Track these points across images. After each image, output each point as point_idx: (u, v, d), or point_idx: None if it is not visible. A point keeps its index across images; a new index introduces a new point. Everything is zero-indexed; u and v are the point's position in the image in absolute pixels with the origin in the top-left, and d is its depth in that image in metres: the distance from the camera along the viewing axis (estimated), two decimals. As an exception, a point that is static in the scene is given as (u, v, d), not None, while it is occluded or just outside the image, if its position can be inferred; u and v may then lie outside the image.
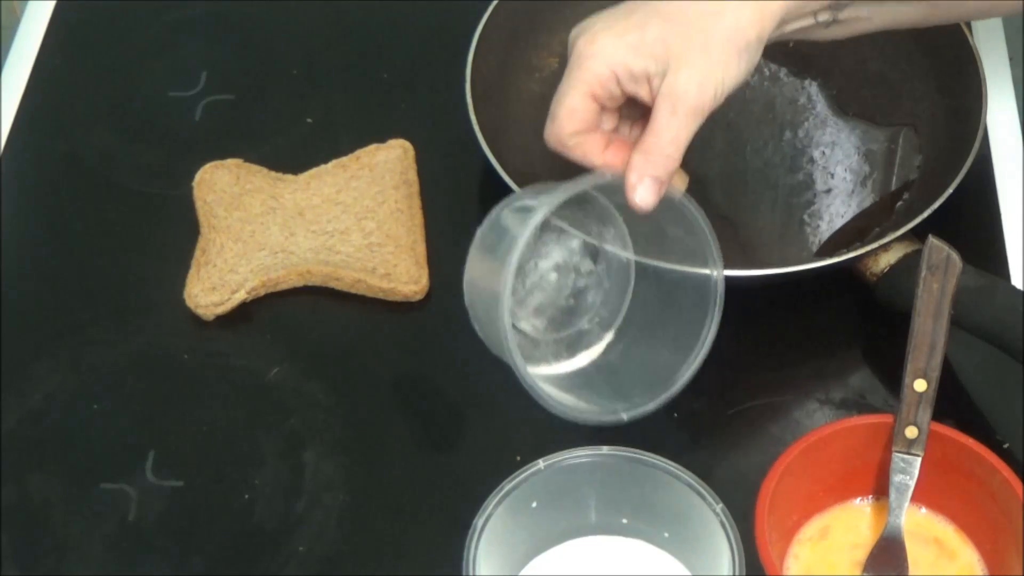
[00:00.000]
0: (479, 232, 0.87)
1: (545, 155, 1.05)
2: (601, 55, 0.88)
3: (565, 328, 0.91)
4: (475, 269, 0.87)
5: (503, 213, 0.87)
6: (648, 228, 0.89)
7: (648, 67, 0.87)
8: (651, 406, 0.86)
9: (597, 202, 0.90)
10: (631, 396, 0.87)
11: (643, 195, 0.86)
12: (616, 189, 0.87)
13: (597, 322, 0.92)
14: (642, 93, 0.88)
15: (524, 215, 0.84)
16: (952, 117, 1.02)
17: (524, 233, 0.83)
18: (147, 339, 0.98)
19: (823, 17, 0.91)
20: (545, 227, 0.89)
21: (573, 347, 0.91)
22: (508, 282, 0.82)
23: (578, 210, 0.90)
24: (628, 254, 0.91)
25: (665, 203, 0.86)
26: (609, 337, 0.91)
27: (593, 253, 0.91)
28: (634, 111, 0.91)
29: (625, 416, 0.85)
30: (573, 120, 0.89)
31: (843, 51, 1.11)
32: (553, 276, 0.90)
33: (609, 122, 0.91)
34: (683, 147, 0.87)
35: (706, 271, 0.87)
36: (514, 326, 0.87)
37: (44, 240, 1.05)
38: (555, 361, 0.90)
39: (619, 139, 0.90)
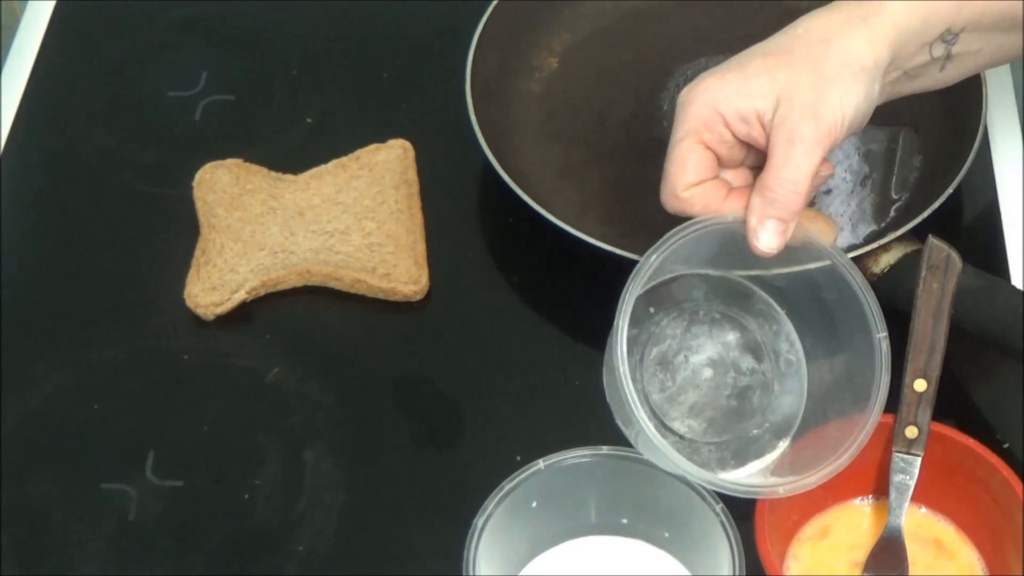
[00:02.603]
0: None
1: (545, 155, 1.06)
2: (702, 98, 0.82)
3: (728, 432, 0.85)
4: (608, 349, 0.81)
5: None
6: (809, 310, 0.84)
7: (756, 104, 0.81)
8: (813, 480, 0.81)
9: (757, 298, 0.85)
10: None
11: (766, 239, 0.80)
12: (751, 255, 0.81)
13: (767, 428, 0.86)
14: (755, 134, 0.82)
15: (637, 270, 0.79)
16: (952, 117, 1.02)
17: (639, 272, 0.78)
18: (147, 339, 0.98)
19: (938, 52, 0.85)
20: (693, 319, 0.85)
21: (741, 455, 0.85)
22: (624, 316, 0.77)
23: (733, 304, 0.85)
24: (794, 340, 0.85)
25: (816, 266, 0.80)
26: (784, 446, 0.85)
27: (755, 351, 0.86)
28: (757, 161, 0.85)
29: (782, 491, 0.81)
30: (686, 171, 0.82)
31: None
32: (708, 372, 0.85)
33: (737, 179, 0.84)
34: (807, 183, 0.80)
35: (870, 335, 0.81)
36: (667, 426, 0.83)
37: (44, 240, 1.05)
38: (720, 470, 0.84)
39: (742, 188, 0.83)
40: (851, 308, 0.83)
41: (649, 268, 0.79)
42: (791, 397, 0.86)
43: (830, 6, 0.84)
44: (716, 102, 0.81)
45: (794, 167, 0.79)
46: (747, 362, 0.86)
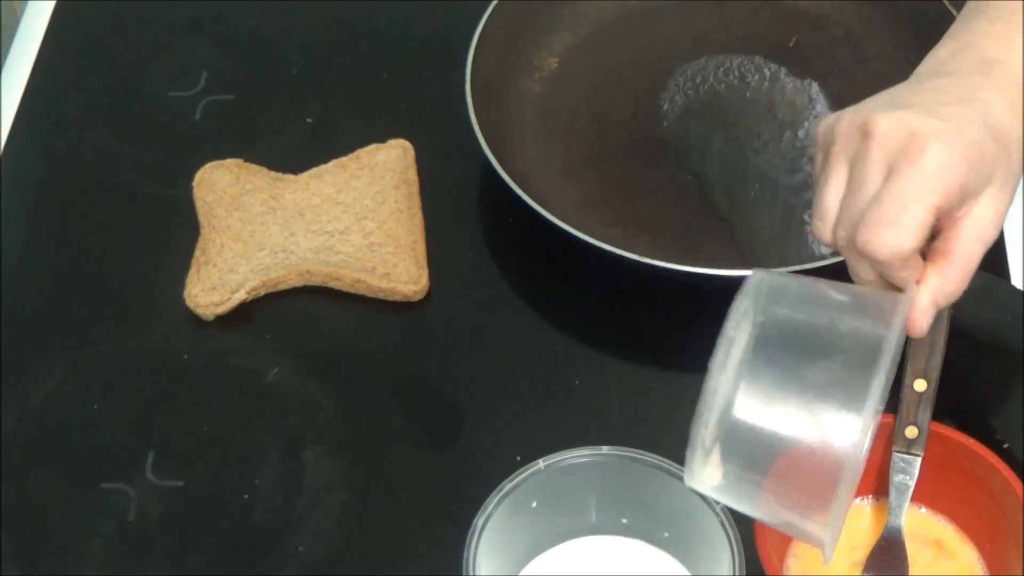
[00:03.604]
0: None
1: (545, 155, 1.06)
2: (958, 166, 0.75)
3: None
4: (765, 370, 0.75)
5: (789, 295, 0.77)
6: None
7: (976, 187, 0.77)
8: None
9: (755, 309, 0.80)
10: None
11: (925, 321, 0.76)
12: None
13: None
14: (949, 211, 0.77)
15: (878, 309, 0.74)
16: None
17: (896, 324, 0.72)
18: (147, 339, 0.98)
19: None
20: (746, 315, 0.78)
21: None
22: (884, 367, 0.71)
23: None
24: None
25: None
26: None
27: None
28: None
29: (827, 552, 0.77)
30: (922, 234, 0.75)
31: (843, 51, 1.12)
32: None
33: None
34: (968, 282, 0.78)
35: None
36: None
37: (44, 240, 1.05)
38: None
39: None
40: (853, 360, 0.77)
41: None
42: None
43: (998, 81, 0.80)
44: (963, 178, 0.76)
45: (972, 267, 0.78)
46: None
